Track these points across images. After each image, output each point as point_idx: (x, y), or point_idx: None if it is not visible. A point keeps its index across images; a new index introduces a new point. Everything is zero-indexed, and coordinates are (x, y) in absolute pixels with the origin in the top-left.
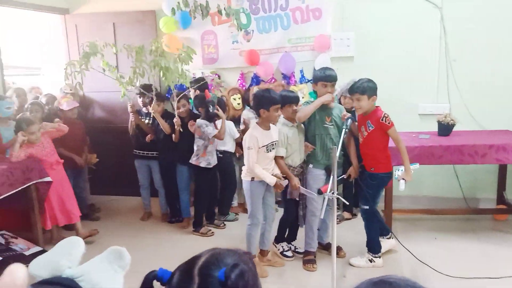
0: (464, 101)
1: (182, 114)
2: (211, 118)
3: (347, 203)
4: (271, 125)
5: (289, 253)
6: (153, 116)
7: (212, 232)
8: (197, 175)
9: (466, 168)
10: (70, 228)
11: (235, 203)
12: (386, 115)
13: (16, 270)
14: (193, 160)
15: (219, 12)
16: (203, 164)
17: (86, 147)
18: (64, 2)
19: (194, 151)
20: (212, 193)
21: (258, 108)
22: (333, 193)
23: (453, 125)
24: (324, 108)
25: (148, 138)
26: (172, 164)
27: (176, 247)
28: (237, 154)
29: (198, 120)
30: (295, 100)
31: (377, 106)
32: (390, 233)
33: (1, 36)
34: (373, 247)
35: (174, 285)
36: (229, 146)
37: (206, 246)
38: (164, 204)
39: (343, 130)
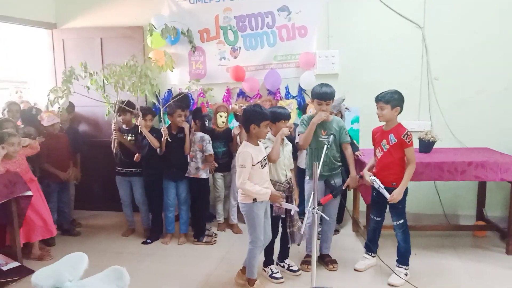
0: (445, 119)
1: (181, 124)
2: (206, 131)
3: (328, 218)
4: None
5: (278, 275)
6: (136, 132)
7: (216, 235)
8: (198, 187)
9: (446, 184)
10: (49, 244)
11: (221, 219)
12: (408, 133)
13: None
14: (191, 174)
15: (182, 33)
16: (204, 176)
17: (72, 162)
18: (51, 16)
19: (192, 164)
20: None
21: (248, 124)
22: (313, 208)
23: (433, 142)
24: (321, 122)
25: (136, 157)
26: (158, 180)
27: (160, 262)
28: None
29: (203, 134)
30: (287, 117)
31: (399, 123)
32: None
33: None
34: (407, 259)
35: None
36: None
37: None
38: (146, 220)
39: (325, 146)
